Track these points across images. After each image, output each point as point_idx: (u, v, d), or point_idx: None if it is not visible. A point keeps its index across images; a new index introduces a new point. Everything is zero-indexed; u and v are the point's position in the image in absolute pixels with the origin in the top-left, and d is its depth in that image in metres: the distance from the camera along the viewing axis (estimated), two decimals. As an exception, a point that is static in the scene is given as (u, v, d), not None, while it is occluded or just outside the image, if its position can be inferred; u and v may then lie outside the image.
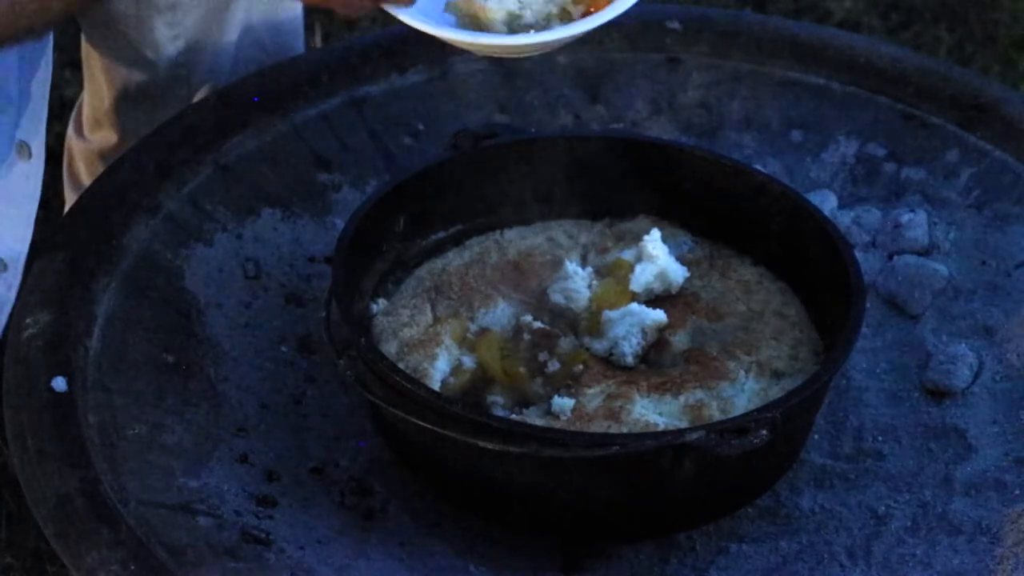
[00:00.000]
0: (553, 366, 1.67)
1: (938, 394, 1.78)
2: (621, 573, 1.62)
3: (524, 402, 1.65)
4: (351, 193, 1.97)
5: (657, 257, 1.75)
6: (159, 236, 1.85)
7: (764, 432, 1.50)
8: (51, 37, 1.81)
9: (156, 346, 1.75)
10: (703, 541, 1.65)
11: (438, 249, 1.83)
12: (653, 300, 1.75)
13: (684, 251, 1.82)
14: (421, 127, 2.05)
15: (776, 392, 1.64)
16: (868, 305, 1.78)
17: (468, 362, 1.68)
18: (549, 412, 1.63)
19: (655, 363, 1.70)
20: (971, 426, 1.74)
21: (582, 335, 1.71)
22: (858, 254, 1.78)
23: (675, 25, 2.12)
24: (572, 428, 1.60)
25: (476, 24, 1.58)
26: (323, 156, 2.00)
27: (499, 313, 1.73)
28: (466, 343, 1.70)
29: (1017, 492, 1.67)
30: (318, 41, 3.11)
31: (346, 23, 3.18)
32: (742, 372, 1.67)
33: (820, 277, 1.74)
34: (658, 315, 1.71)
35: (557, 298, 1.74)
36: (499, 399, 1.65)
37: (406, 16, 1.56)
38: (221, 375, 1.76)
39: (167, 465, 1.64)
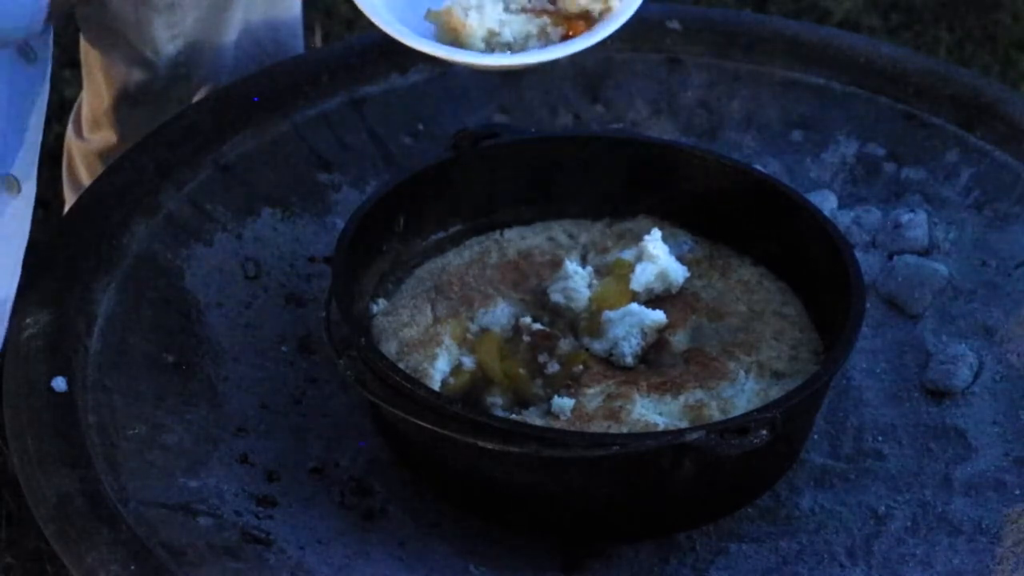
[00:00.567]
0: (553, 367, 1.67)
1: (938, 394, 1.78)
2: (621, 573, 1.62)
3: (524, 403, 1.65)
4: (351, 193, 1.97)
5: (657, 257, 1.75)
6: (159, 236, 1.85)
7: (764, 432, 1.50)
8: (48, 70, 1.79)
9: (156, 346, 1.75)
10: (703, 541, 1.65)
11: (438, 249, 1.83)
12: (653, 300, 1.75)
13: (684, 251, 1.82)
14: (421, 127, 2.05)
15: (776, 392, 1.64)
16: (868, 305, 1.78)
17: (468, 363, 1.68)
18: (549, 412, 1.63)
19: (655, 363, 1.70)
20: (971, 426, 1.74)
21: (582, 335, 1.71)
22: (858, 254, 1.78)
23: (675, 25, 2.12)
24: (572, 428, 1.60)
25: (455, 37, 1.58)
26: (323, 156, 2.00)
27: (499, 313, 1.73)
28: (466, 343, 1.70)
29: (1017, 492, 1.67)
30: (318, 41, 3.11)
31: (346, 23, 3.18)
32: (742, 372, 1.67)
33: (820, 277, 1.74)
34: (657, 315, 1.71)
35: (557, 298, 1.73)
36: (498, 400, 1.65)
37: (381, 22, 1.54)
38: (221, 375, 1.76)
39: (167, 465, 1.64)
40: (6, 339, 1.71)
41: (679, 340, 1.71)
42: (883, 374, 1.81)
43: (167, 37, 2.12)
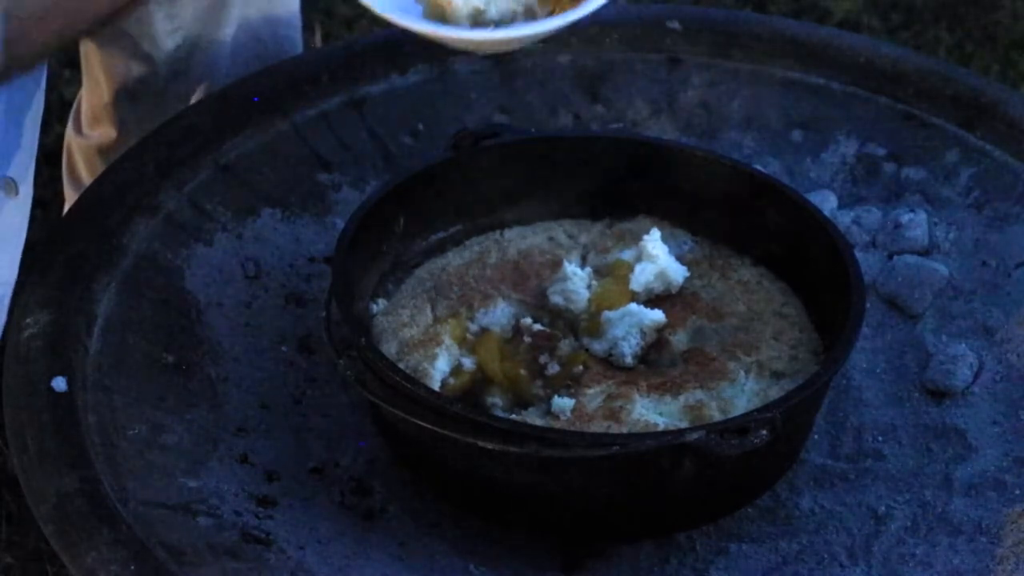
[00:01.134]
0: (553, 368, 1.67)
1: (938, 394, 1.78)
2: (621, 573, 1.62)
3: (524, 403, 1.65)
4: (351, 193, 1.97)
5: (657, 257, 1.75)
6: (159, 236, 1.84)
7: (764, 432, 1.50)
8: (43, 72, 1.79)
9: (156, 346, 1.75)
10: (703, 541, 1.65)
11: (438, 249, 1.83)
12: (653, 300, 1.75)
13: (684, 251, 1.82)
14: (421, 127, 2.05)
15: (776, 392, 1.64)
16: (868, 305, 1.78)
17: (468, 363, 1.68)
18: (549, 412, 1.63)
19: (655, 363, 1.70)
20: (971, 426, 1.74)
21: (582, 336, 1.71)
22: (858, 254, 1.78)
23: (675, 25, 2.12)
24: (572, 428, 1.60)
25: (441, 16, 1.58)
26: (323, 156, 2.00)
27: (499, 313, 1.73)
28: (466, 343, 1.70)
29: (1017, 492, 1.67)
30: (318, 41, 3.11)
31: (346, 23, 3.18)
32: (742, 372, 1.67)
33: (820, 277, 1.74)
34: (657, 315, 1.71)
35: (556, 299, 1.73)
36: (498, 400, 1.65)
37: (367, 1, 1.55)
38: (221, 375, 1.76)
39: (167, 465, 1.64)
40: (6, 339, 1.72)
41: (679, 340, 1.71)
42: (883, 374, 1.81)
43: (167, 31, 2.12)
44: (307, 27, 3.02)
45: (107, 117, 2.24)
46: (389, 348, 1.68)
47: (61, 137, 2.38)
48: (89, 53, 2.21)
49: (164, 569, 1.49)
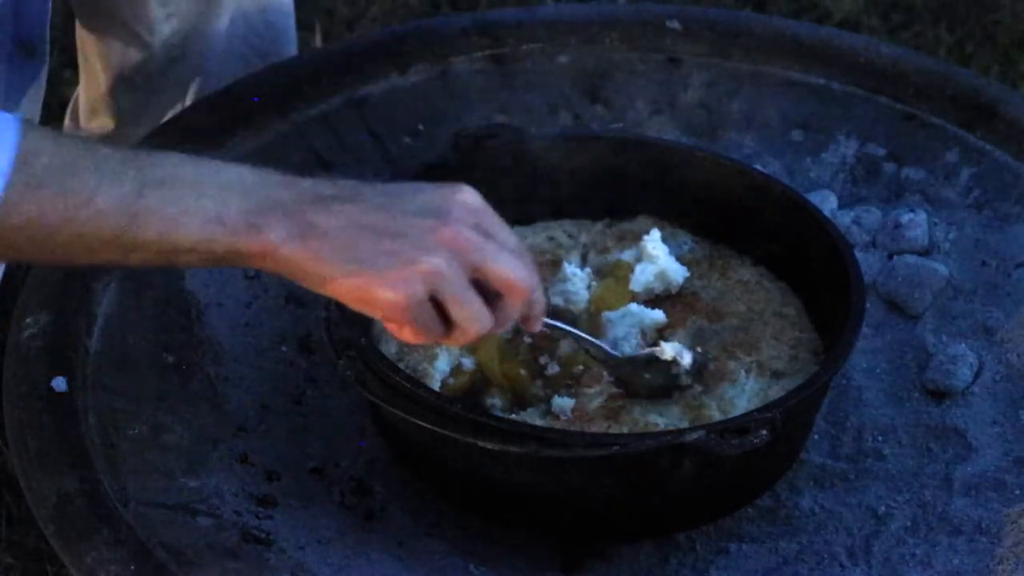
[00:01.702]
0: (553, 368, 1.67)
1: (938, 394, 1.78)
2: (621, 573, 1.62)
3: (523, 404, 1.65)
4: (351, 193, 1.97)
5: (657, 257, 1.75)
6: (159, 236, 1.84)
7: (764, 432, 1.50)
8: (45, 67, 1.77)
9: (156, 346, 1.75)
10: (703, 541, 1.65)
11: (438, 249, 1.83)
12: (653, 300, 1.75)
13: (684, 251, 1.82)
14: (421, 127, 2.05)
15: (776, 392, 1.64)
16: (868, 305, 1.78)
17: (468, 363, 1.68)
18: (549, 412, 1.63)
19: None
20: (971, 426, 1.74)
21: (582, 335, 1.71)
22: (858, 254, 1.78)
23: (675, 25, 2.12)
24: (572, 428, 1.60)
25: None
26: (323, 156, 1.99)
27: (499, 313, 1.73)
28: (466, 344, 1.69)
29: (1017, 492, 1.67)
30: (318, 41, 3.11)
31: (346, 23, 3.18)
32: (742, 372, 1.67)
33: (820, 277, 1.73)
34: (657, 315, 1.71)
35: (556, 300, 1.73)
36: (498, 401, 1.65)
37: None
38: (221, 375, 1.76)
39: (167, 465, 1.64)
40: (5, 339, 1.72)
41: (679, 340, 1.71)
42: (883, 374, 1.81)
43: (162, 16, 2.13)
44: (307, 27, 3.02)
45: (105, 108, 2.24)
46: (389, 348, 1.68)
47: (61, 137, 2.37)
48: (86, 45, 2.21)
49: (164, 569, 1.49)
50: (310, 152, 1.99)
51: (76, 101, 2.33)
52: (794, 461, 1.70)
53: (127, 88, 2.20)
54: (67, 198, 1.29)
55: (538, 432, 1.55)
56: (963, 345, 1.81)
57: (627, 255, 1.79)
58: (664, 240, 1.77)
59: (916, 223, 1.93)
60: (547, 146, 1.86)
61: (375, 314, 1.40)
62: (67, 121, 2.34)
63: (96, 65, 2.21)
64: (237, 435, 1.71)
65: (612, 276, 1.77)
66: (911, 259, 1.90)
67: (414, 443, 1.64)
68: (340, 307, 1.63)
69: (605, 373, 1.66)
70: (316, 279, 1.38)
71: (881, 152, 2.03)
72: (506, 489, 1.60)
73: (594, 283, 1.76)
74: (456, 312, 1.39)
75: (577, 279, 1.74)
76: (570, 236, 1.85)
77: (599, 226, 1.86)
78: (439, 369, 1.66)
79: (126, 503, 1.57)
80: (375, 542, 1.62)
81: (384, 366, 1.58)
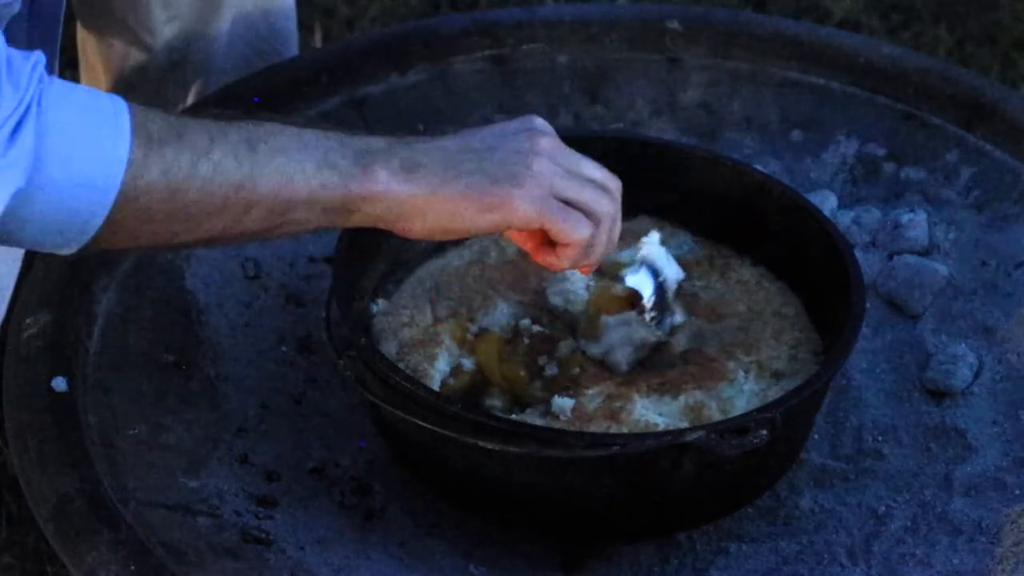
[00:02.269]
0: (552, 370, 1.67)
1: (938, 394, 1.78)
2: (621, 573, 1.62)
3: (523, 404, 1.65)
4: (351, 193, 1.97)
5: (657, 257, 1.75)
6: (159, 236, 1.84)
7: (764, 432, 1.50)
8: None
9: (156, 346, 1.75)
10: (703, 541, 1.65)
11: (438, 249, 1.83)
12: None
13: (684, 251, 1.82)
14: (421, 127, 2.05)
15: (776, 392, 1.64)
16: (868, 305, 1.78)
17: (468, 364, 1.68)
18: (549, 412, 1.63)
19: (654, 364, 1.70)
20: (971, 426, 1.74)
21: (580, 337, 1.71)
22: (858, 254, 1.78)
23: (675, 25, 2.12)
24: (572, 428, 1.60)
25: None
26: (323, 156, 1.99)
27: (499, 314, 1.73)
28: (466, 344, 1.69)
29: (1017, 492, 1.67)
30: (318, 41, 3.11)
31: (346, 23, 3.18)
32: (742, 372, 1.67)
33: (820, 277, 1.73)
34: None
35: (555, 300, 1.73)
36: (497, 401, 1.65)
37: None
38: (221, 375, 1.76)
39: (167, 465, 1.64)
40: (5, 339, 1.72)
41: (678, 341, 1.71)
42: (883, 374, 1.81)
43: (164, 18, 2.13)
44: (307, 27, 3.03)
45: None
46: (389, 348, 1.68)
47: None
48: (87, 46, 2.21)
49: (164, 569, 1.49)
50: (310, 152, 1.99)
51: None
52: (794, 461, 1.70)
53: (128, 90, 2.20)
54: (187, 153, 1.34)
55: (538, 432, 1.55)
56: (963, 345, 1.81)
57: (627, 255, 1.78)
58: (664, 240, 1.77)
59: (916, 223, 1.93)
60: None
61: (503, 222, 1.46)
62: None
63: (97, 67, 2.21)
64: (237, 435, 1.71)
65: (612, 276, 1.77)
66: (911, 259, 1.90)
67: (414, 443, 1.64)
68: (340, 307, 1.64)
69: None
70: (429, 213, 1.44)
71: (881, 152, 2.03)
72: (506, 489, 1.60)
73: (593, 283, 1.76)
74: (578, 196, 1.48)
75: (576, 279, 1.74)
76: (570, 236, 1.85)
77: (599, 226, 1.86)
78: (439, 369, 1.66)
79: (126, 503, 1.57)
80: (375, 542, 1.62)
81: (384, 366, 1.58)
